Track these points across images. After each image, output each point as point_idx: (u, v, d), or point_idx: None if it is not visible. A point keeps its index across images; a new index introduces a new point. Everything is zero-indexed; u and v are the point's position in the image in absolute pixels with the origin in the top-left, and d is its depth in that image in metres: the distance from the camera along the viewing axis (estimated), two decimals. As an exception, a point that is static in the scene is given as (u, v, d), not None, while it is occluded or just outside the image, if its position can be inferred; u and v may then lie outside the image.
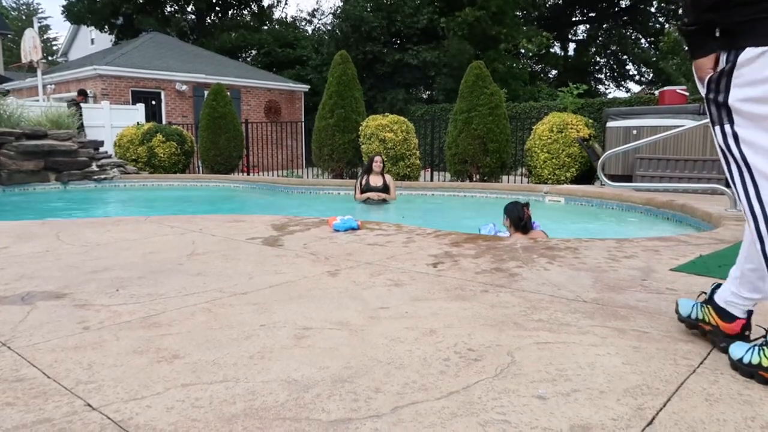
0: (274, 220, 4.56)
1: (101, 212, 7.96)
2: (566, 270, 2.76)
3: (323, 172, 11.25)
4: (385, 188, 7.48)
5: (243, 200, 9.76)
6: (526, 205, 4.25)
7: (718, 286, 1.76)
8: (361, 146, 10.13)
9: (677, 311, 1.87)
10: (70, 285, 2.50)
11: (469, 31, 19.78)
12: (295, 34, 26.33)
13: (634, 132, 8.35)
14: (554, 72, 30.98)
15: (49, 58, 37.17)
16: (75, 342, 1.79)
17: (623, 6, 29.43)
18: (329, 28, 23.69)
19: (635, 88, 32.02)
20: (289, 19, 30.81)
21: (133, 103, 16.13)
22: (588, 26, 32.13)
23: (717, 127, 1.55)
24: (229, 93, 12.65)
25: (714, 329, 1.70)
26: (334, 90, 10.51)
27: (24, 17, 44.52)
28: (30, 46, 13.74)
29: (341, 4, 22.53)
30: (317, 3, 49.09)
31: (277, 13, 32.95)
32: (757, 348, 1.52)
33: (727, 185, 6.37)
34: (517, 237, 4.14)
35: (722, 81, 1.49)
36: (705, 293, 1.80)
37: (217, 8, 28.64)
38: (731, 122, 1.51)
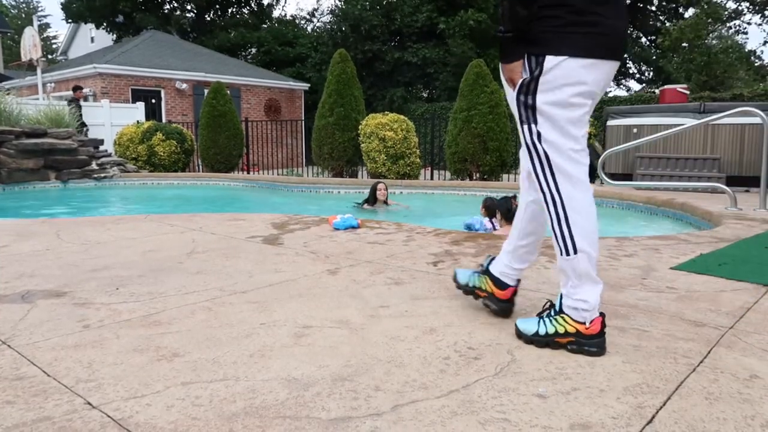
0: (274, 218, 4.56)
1: (101, 211, 7.96)
2: (566, 268, 2.75)
3: (323, 170, 11.25)
4: None
5: (243, 199, 9.76)
6: (514, 197, 4.55)
7: (493, 258, 2.01)
8: (360, 145, 10.13)
9: (455, 279, 2.09)
10: (70, 283, 2.50)
11: (469, 30, 19.78)
12: (295, 32, 26.32)
13: (635, 130, 8.35)
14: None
15: (49, 56, 37.17)
16: (75, 340, 1.79)
17: (623, 4, 29.39)
18: (328, 26, 23.65)
19: (636, 86, 32.04)
20: (288, 18, 30.78)
21: (133, 102, 16.13)
22: (588, 25, 32.08)
23: (525, 126, 1.73)
24: (228, 91, 12.64)
25: (489, 295, 1.98)
26: (334, 88, 10.51)
27: (24, 15, 44.49)
28: (30, 45, 13.74)
29: (340, 3, 22.50)
30: (317, 2, 49.07)
31: (276, 12, 32.90)
32: (546, 319, 1.75)
33: (726, 184, 6.37)
34: (507, 229, 4.25)
35: (531, 85, 1.66)
36: (482, 265, 2.04)
37: (216, 6, 28.62)
38: (535, 122, 1.69)
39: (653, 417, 1.30)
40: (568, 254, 1.70)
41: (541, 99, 1.65)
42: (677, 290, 2.37)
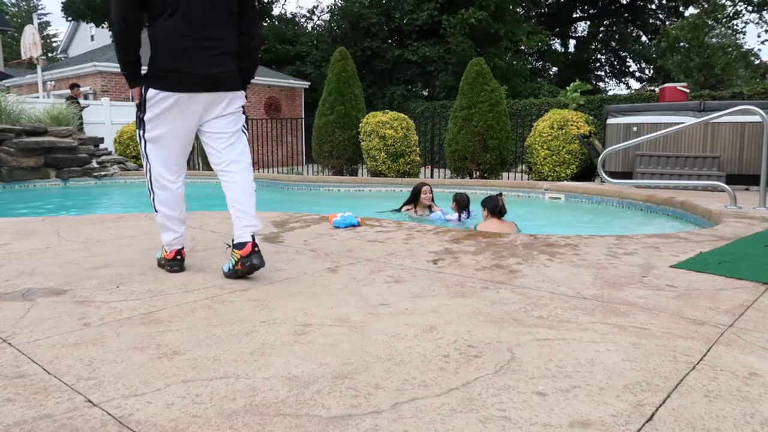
0: (274, 216, 4.56)
1: (101, 209, 7.96)
2: (566, 267, 2.76)
3: (323, 168, 11.24)
4: None
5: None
6: (500, 194, 4.99)
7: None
8: (361, 143, 10.13)
9: (225, 273, 2.64)
10: (71, 281, 2.50)
11: (469, 29, 19.76)
12: (295, 30, 26.28)
13: (635, 129, 8.34)
14: (555, 69, 30.94)
15: (49, 54, 37.12)
16: (75, 338, 1.79)
17: (624, 2, 29.38)
18: (328, 24, 23.62)
19: (636, 84, 32.03)
20: (288, 16, 30.74)
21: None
22: (588, 23, 32.09)
23: (138, 131, 2.69)
24: (229, 89, 12.60)
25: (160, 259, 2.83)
26: (334, 87, 10.50)
27: (24, 14, 44.44)
28: (30, 43, 13.74)
29: (339, 1, 22.46)
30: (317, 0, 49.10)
31: (276, 10, 32.85)
32: (230, 260, 2.59)
33: (726, 182, 6.37)
34: (491, 223, 4.80)
35: (143, 105, 2.62)
36: (229, 245, 2.76)
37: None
38: (144, 129, 2.66)
39: (653, 415, 1.30)
40: (155, 211, 2.74)
41: (147, 114, 2.61)
42: (677, 288, 2.37)
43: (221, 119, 2.68)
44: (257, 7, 2.73)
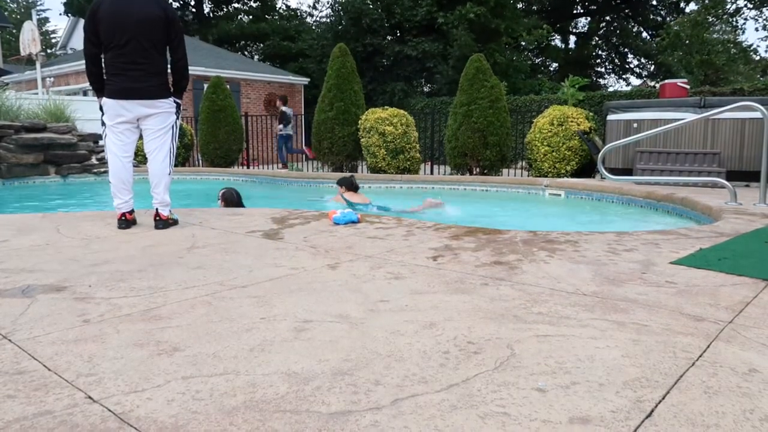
0: (273, 213, 4.56)
1: (101, 206, 7.95)
2: (566, 263, 2.76)
3: (323, 165, 11.23)
4: None
5: (243, 193, 9.72)
6: (352, 176, 6.35)
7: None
8: (360, 139, 10.11)
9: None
10: (71, 278, 2.50)
11: (468, 24, 19.70)
12: (296, 27, 26.23)
13: (635, 125, 8.33)
14: (555, 65, 30.90)
15: (48, 51, 37.02)
16: (75, 335, 1.79)
17: (624, -2, 29.31)
18: (330, 20, 23.57)
19: (636, 81, 31.99)
20: (290, 12, 30.64)
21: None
22: (589, 19, 32.02)
23: (102, 126, 3.88)
24: (228, 86, 12.61)
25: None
26: (333, 83, 10.47)
27: (23, 10, 44.30)
28: (29, 39, 13.71)
29: (341, -4, 22.41)
30: (317, -4, 48.98)
31: (279, 3, 32.76)
32: None
33: (726, 178, 6.37)
34: (351, 194, 6.00)
35: (101, 111, 3.84)
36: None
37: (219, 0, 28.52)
38: (104, 125, 3.88)
39: (652, 411, 1.30)
40: (110, 182, 3.90)
41: (104, 115, 3.84)
42: (677, 285, 2.37)
43: (150, 119, 3.87)
44: (179, 37, 3.86)
